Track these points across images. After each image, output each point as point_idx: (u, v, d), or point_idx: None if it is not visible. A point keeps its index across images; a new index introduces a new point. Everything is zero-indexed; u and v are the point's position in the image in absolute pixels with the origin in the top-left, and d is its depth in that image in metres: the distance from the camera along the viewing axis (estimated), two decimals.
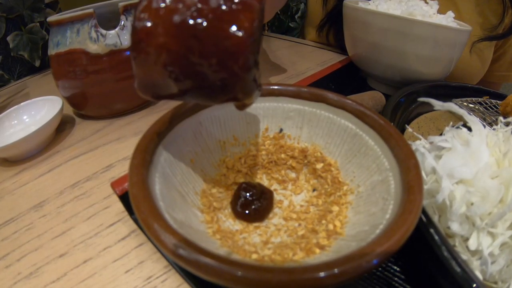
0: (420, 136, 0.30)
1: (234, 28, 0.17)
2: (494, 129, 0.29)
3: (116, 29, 0.40)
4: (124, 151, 0.38)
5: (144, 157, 0.21)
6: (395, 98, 0.36)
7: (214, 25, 0.17)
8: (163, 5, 0.17)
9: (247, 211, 0.25)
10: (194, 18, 0.17)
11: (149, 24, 0.17)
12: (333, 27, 0.63)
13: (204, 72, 0.18)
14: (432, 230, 0.21)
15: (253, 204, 0.25)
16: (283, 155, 0.29)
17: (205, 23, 0.17)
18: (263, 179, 0.29)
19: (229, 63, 0.17)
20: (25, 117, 0.43)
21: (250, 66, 0.18)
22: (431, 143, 0.28)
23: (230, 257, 0.16)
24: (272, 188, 0.28)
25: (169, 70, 0.18)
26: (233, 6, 0.17)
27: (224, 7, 0.17)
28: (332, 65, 0.54)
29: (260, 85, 0.20)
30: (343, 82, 0.53)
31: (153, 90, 0.20)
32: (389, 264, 0.25)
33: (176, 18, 0.17)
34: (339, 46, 0.62)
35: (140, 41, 0.18)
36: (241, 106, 0.22)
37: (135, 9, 0.18)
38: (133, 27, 0.18)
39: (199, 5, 0.17)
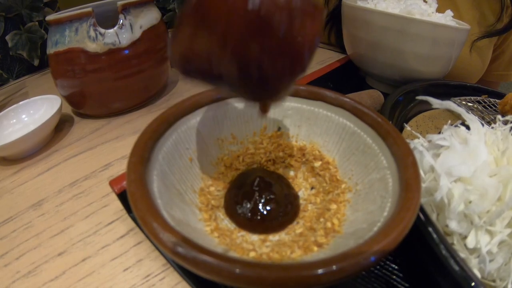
0: (419, 135, 0.30)
1: (308, 28, 0.16)
2: (492, 127, 0.29)
3: (115, 27, 0.39)
4: (122, 149, 0.38)
5: (142, 155, 0.21)
6: (394, 96, 0.36)
7: (291, 20, 0.15)
8: None
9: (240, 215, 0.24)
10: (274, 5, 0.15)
11: None
12: (334, 27, 0.62)
13: (259, 63, 0.15)
14: (430, 228, 0.21)
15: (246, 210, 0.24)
16: (281, 153, 0.29)
17: (282, 15, 0.15)
18: None
19: (293, 62, 0.16)
20: (23, 116, 0.43)
21: (307, 69, 0.17)
22: (429, 141, 0.28)
23: (228, 255, 0.16)
24: None
25: (223, 47, 0.15)
26: (308, 8, 0.16)
27: (299, 4, 0.15)
28: (331, 64, 0.54)
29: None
30: (342, 81, 0.53)
31: (188, 63, 0.17)
32: (388, 262, 0.25)
33: None
34: (340, 45, 0.62)
35: None
36: (266, 108, 0.21)
37: None
38: None
39: None
